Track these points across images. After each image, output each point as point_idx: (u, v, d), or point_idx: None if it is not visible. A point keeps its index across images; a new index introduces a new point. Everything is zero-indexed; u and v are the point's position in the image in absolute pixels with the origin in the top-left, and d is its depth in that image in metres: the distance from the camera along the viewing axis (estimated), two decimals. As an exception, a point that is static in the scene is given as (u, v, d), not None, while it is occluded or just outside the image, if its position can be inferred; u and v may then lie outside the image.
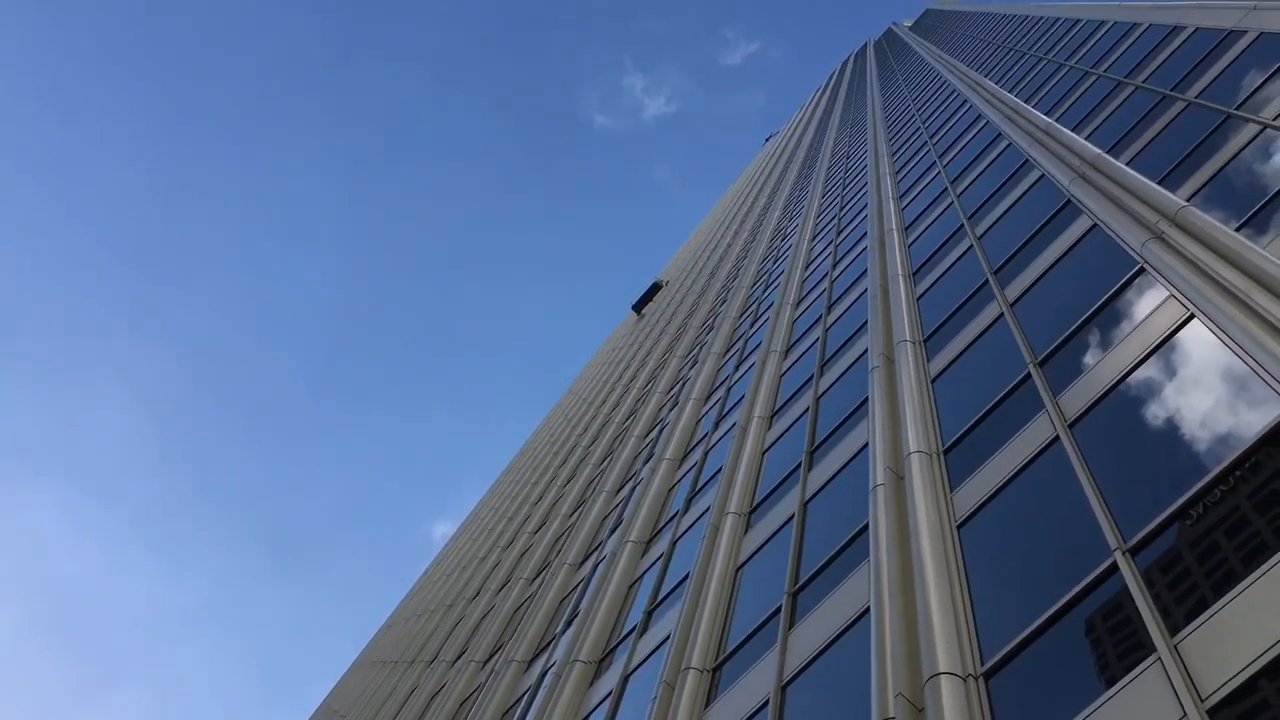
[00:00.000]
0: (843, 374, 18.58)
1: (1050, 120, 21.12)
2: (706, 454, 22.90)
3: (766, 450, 19.01)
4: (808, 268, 31.94)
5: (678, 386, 34.54)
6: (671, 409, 31.65)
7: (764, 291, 35.22)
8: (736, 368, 28.28)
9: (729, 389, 26.69)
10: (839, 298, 24.32)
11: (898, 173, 32.66)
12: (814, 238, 35.94)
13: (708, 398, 28.75)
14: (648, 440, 31.28)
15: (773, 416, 20.71)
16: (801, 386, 20.50)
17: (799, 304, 28.26)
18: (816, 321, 24.37)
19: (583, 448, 44.44)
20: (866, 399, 15.97)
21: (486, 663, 25.76)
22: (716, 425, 24.40)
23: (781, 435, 18.89)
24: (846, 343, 20.16)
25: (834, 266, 28.14)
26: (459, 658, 29.52)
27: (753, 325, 31.71)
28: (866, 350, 18.32)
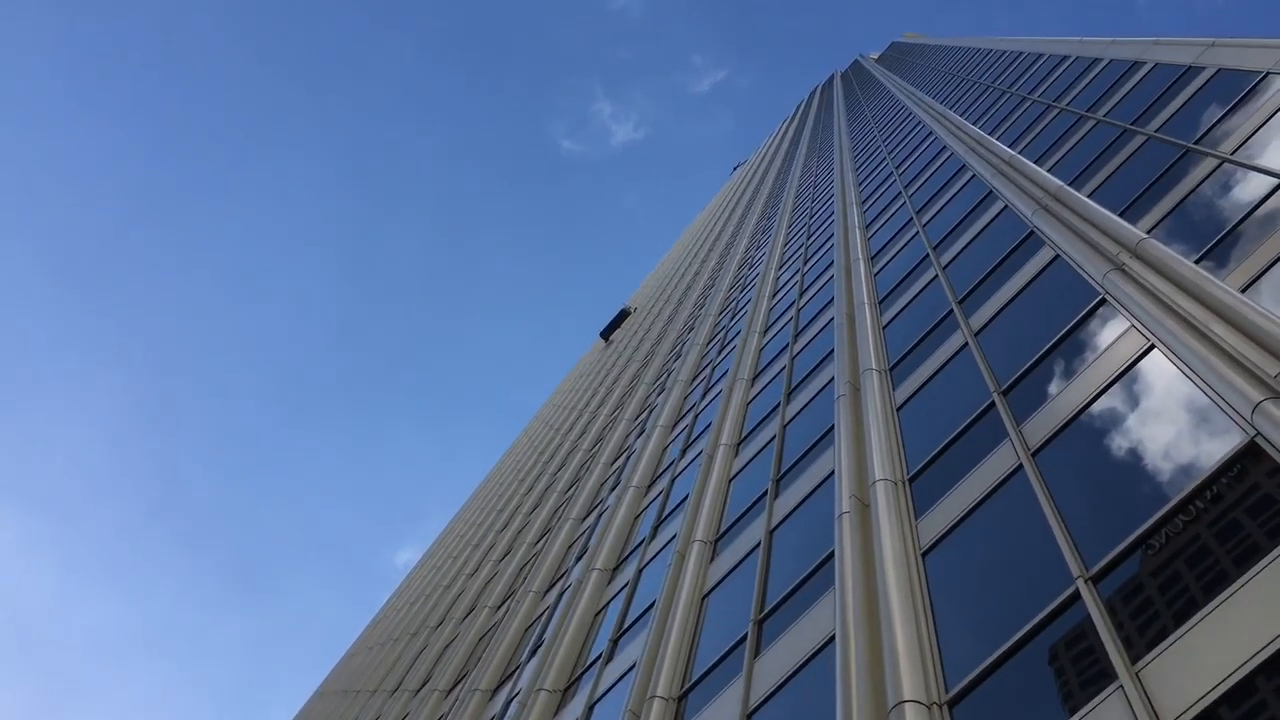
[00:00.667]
0: (809, 402, 18.65)
1: (1013, 152, 21.40)
2: (673, 481, 22.87)
3: (733, 478, 19.02)
4: (775, 295, 32.13)
5: (645, 414, 34.56)
6: (638, 436, 31.63)
7: (731, 319, 35.39)
8: (704, 395, 28.31)
9: (696, 416, 26.72)
10: (805, 325, 24.44)
11: (864, 202, 33.03)
12: (781, 266, 36.18)
13: (675, 425, 28.76)
14: (614, 468, 31.23)
15: (739, 444, 20.73)
16: (768, 414, 20.55)
17: (766, 331, 28.38)
18: (783, 350, 24.47)
19: (549, 475, 44.27)
20: (833, 427, 16.03)
21: (450, 692, 25.55)
22: (683, 453, 24.39)
23: (748, 463, 18.91)
24: (813, 371, 20.25)
25: (801, 295, 28.31)
26: (422, 687, 29.32)
27: (720, 353, 31.84)
28: (833, 379, 18.40)
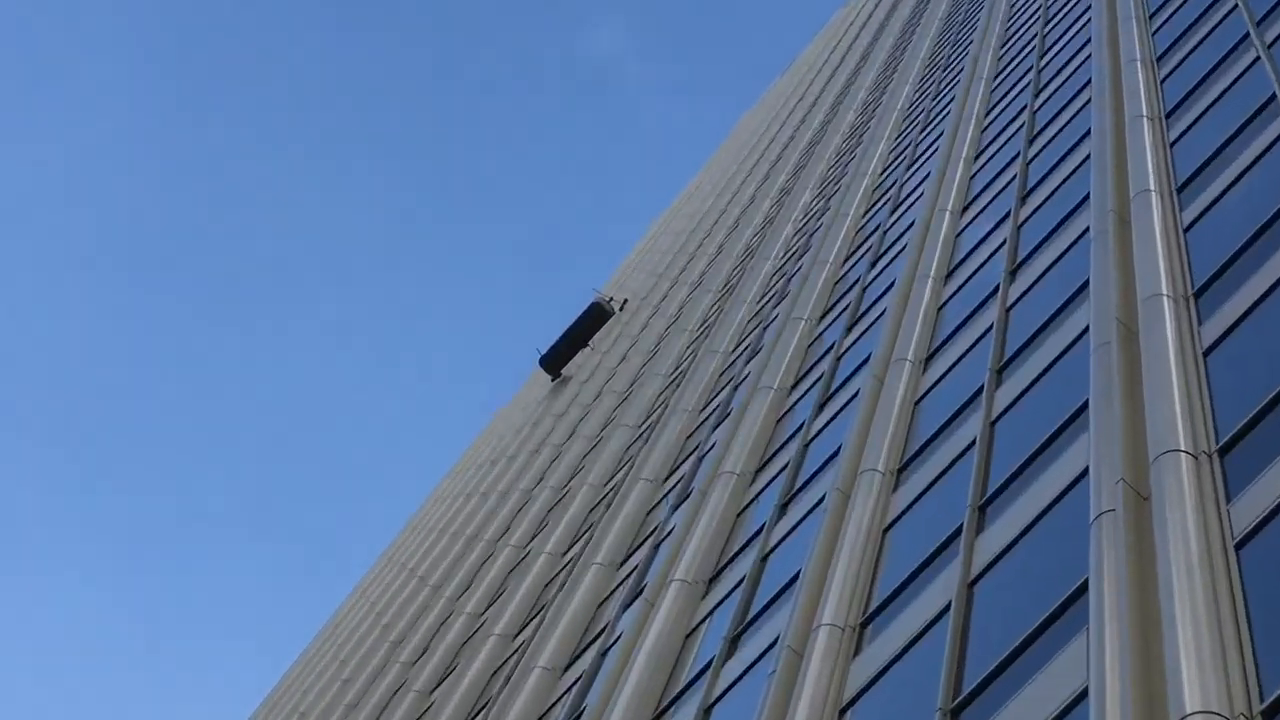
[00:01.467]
0: (1052, 503, 19.09)
1: None
2: (718, 697, 23.39)
3: (854, 655, 19.82)
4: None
5: (640, 543, 35.15)
6: (634, 599, 32.22)
7: (822, 353, 36.59)
8: (784, 508, 28.87)
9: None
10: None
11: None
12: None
13: (710, 583, 29.35)
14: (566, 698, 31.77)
15: (872, 619, 21.30)
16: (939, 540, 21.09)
17: (927, 394, 28.98)
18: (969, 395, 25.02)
19: (418, 693, 44.90)
20: (1084, 580, 16.51)
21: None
22: (744, 624, 24.98)
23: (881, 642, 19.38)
24: (1047, 445, 20.74)
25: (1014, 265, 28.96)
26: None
27: (819, 410, 32.56)
28: (1089, 466, 18.82)
